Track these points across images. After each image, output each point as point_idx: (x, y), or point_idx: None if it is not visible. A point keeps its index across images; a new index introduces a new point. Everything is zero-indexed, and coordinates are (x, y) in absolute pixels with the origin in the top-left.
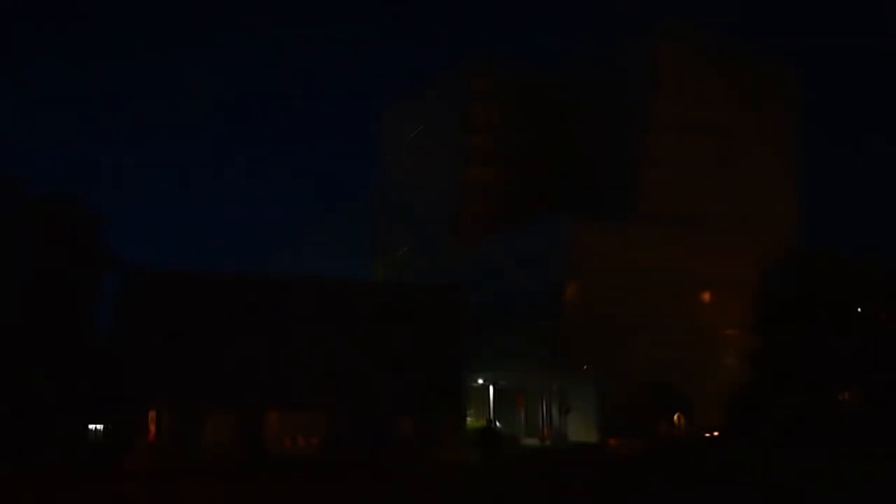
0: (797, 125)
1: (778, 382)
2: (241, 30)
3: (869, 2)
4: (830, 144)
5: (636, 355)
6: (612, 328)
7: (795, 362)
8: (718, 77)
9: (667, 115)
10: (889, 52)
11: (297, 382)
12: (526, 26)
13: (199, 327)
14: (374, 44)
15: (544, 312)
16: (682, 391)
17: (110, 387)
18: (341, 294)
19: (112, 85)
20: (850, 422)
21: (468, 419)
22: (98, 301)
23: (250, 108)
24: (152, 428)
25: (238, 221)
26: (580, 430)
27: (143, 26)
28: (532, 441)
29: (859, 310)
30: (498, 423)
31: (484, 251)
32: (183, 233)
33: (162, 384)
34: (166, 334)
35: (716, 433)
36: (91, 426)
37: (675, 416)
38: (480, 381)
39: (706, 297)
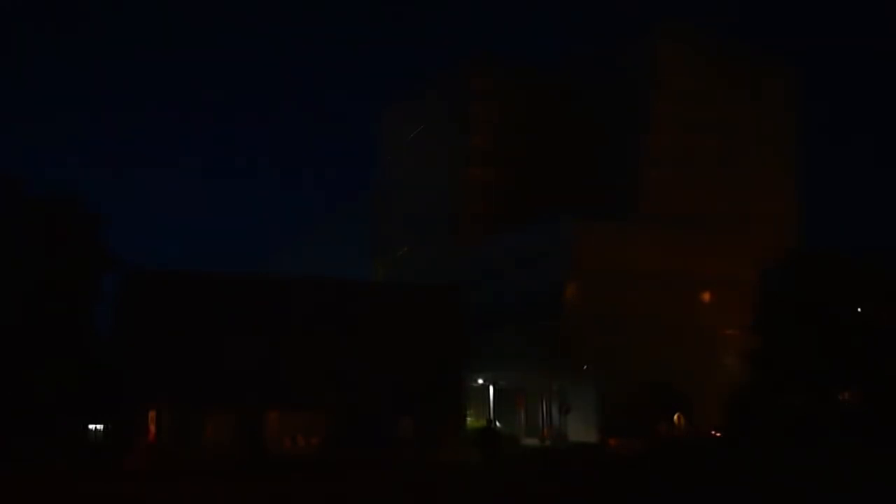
0: (797, 125)
1: (778, 382)
2: (241, 30)
3: (869, 2)
4: (830, 144)
5: (636, 355)
6: (612, 328)
7: (795, 362)
8: (718, 77)
9: (667, 115)
10: (889, 52)
11: (297, 382)
12: (526, 26)
13: (199, 327)
14: (374, 44)
15: (544, 312)
16: (682, 391)
17: (110, 387)
18: (341, 294)
19: (112, 85)
20: (850, 422)
21: (468, 419)
22: (98, 301)
23: (250, 108)
24: (152, 428)
25: (238, 221)
26: (580, 430)
27: (143, 26)
28: (532, 441)
29: (859, 310)
30: (498, 423)
31: (484, 251)
32: (183, 233)
33: (162, 384)
34: (166, 334)
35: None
36: (91, 426)
37: (675, 416)
38: (480, 381)
39: (706, 297)
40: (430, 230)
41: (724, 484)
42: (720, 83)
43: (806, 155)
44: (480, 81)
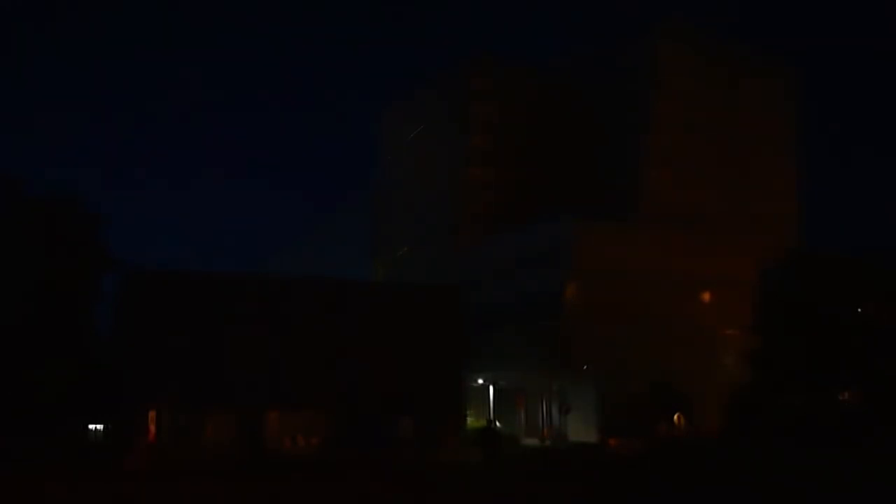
0: (797, 125)
1: (778, 382)
2: (241, 30)
3: (869, 2)
4: (830, 144)
5: (636, 355)
6: (612, 328)
7: (795, 362)
8: (718, 77)
9: (667, 115)
10: (889, 52)
11: (297, 382)
12: (526, 26)
13: (199, 327)
14: (374, 44)
15: (544, 312)
16: (682, 391)
17: (110, 387)
18: (341, 294)
19: (112, 85)
20: (850, 422)
21: (468, 419)
22: (98, 301)
23: (250, 108)
24: (152, 428)
25: (238, 221)
26: (580, 430)
27: (143, 26)
28: (532, 441)
29: (859, 310)
30: (498, 423)
31: (484, 251)
32: (183, 233)
33: (162, 384)
34: (166, 334)
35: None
36: (91, 426)
37: (675, 416)
38: (480, 381)
39: (706, 297)
40: (430, 230)
41: (724, 484)
42: (720, 83)
43: (806, 155)
44: (480, 81)
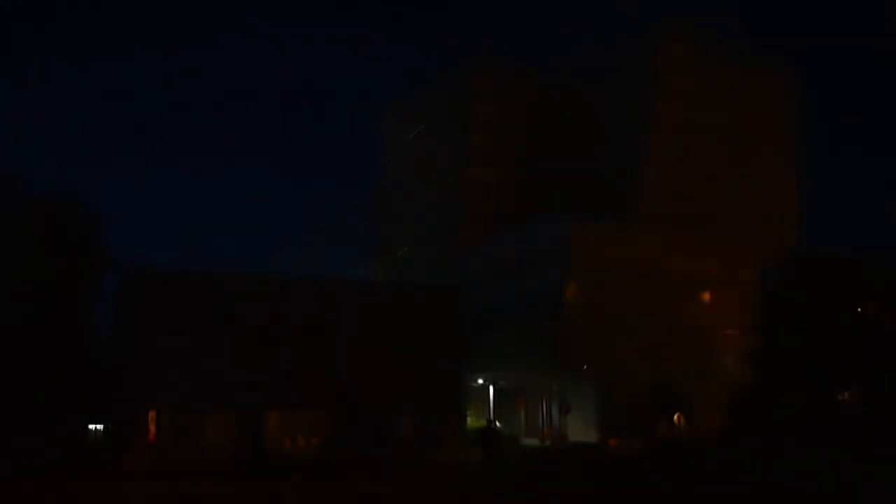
0: (797, 125)
1: (778, 382)
2: (241, 30)
3: (869, 2)
4: (830, 144)
5: (636, 355)
6: (612, 328)
7: (795, 362)
8: (718, 77)
9: (667, 115)
10: (889, 52)
11: (297, 382)
12: (526, 26)
13: (199, 327)
14: (374, 44)
15: (544, 312)
16: (682, 391)
17: (110, 387)
18: (341, 294)
19: (112, 85)
20: (850, 422)
21: (468, 419)
22: (98, 301)
23: (250, 107)
24: (152, 428)
25: (238, 221)
26: (580, 430)
27: (143, 26)
28: (532, 441)
29: (859, 310)
30: (498, 423)
31: (484, 251)
32: (183, 233)
33: (162, 384)
34: (166, 334)
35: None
36: (91, 426)
37: (675, 416)
38: (480, 381)
39: (706, 297)
40: (430, 230)
41: (724, 484)
42: (720, 83)
43: (806, 155)
44: (480, 81)
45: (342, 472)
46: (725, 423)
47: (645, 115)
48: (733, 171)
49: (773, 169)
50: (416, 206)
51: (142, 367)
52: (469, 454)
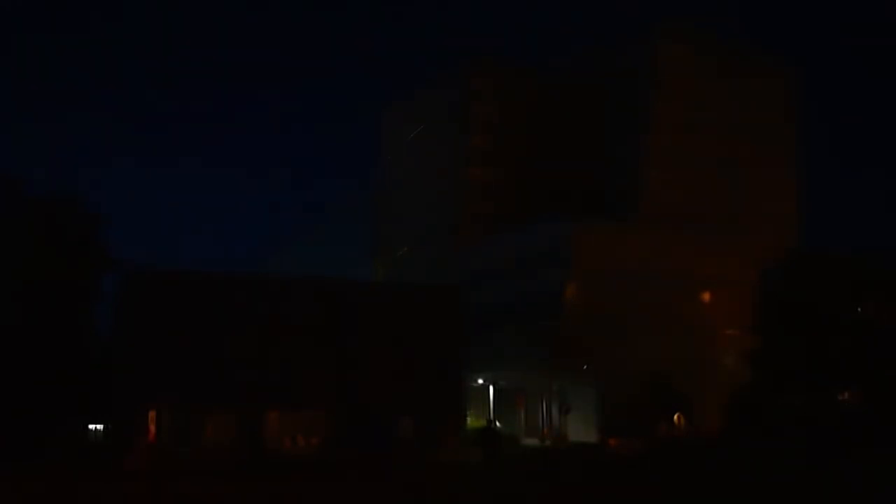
0: (797, 125)
1: (778, 382)
2: (240, 30)
3: (869, 2)
4: (831, 144)
5: (636, 355)
6: (612, 328)
7: (795, 362)
8: (718, 77)
9: (667, 115)
10: (889, 52)
11: (297, 382)
12: (526, 26)
13: (199, 327)
14: (374, 44)
15: (544, 312)
16: (682, 391)
17: (110, 387)
18: (341, 294)
19: (112, 85)
20: (850, 422)
21: (468, 419)
22: (98, 301)
23: (250, 107)
24: (152, 428)
25: (238, 222)
26: (580, 430)
27: (143, 26)
28: (532, 441)
29: (859, 310)
30: (498, 423)
31: (484, 251)
32: (183, 233)
33: (162, 384)
34: (166, 334)
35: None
36: (91, 426)
37: (675, 416)
38: (480, 381)
39: (706, 297)
40: (430, 230)
41: (724, 484)
42: (720, 83)
43: (806, 155)
44: (480, 81)
45: (342, 472)
46: (725, 423)
47: (645, 115)
48: (733, 171)
49: (773, 169)
50: (416, 206)
51: (142, 367)
52: (469, 454)
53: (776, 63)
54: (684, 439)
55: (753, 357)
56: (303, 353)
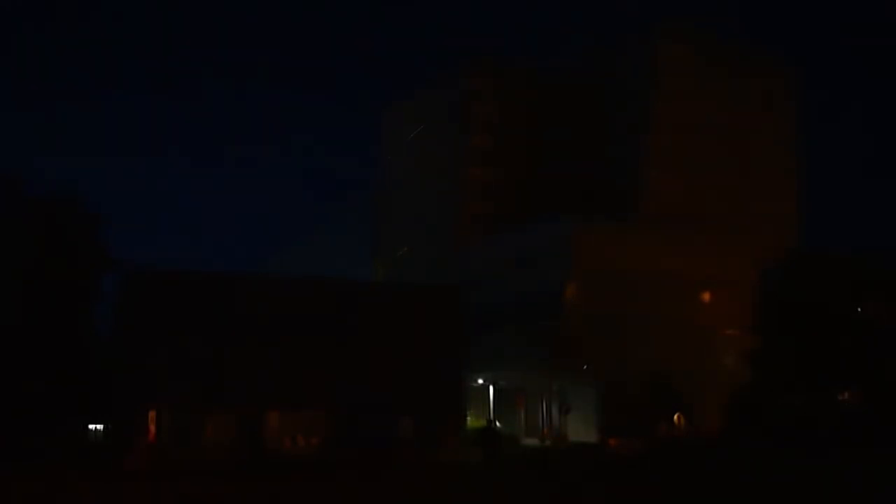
0: (797, 125)
1: (778, 382)
2: (240, 30)
3: (869, 2)
4: (830, 144)
5: (636, 355)
6: (612, 328)
7: (795, 362)
8: (718, 77)
9: (667, 115)
10: (889, 52)
11: (297, 382)
12: (526, 26)
13: (199, 327)
14: (374, 44)
15: (544, 312)
16: (682, 391)
17: (110, 387)
18: (341, 294)
19: (112, 84)
20: (850, 422)
21: (468, 419)
22: (98, 301)
23: (250, 107)
24: (152, 428)
25: (238, 222)
26: (580, 430)
27: (144, 26)
28: (532, 441)
29: (859, 310)
30: (498, 423)
31: (484, 251)
32: (183, 233)
33: (162, 384)
34: (166, 334)
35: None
36: (91, 426)
37: (675, 416)
38: (480, 381)
39: (706, 297)
40: (430, 230)
41: (724, 484)
42: (720, 83)
43: (806, 155)
44: (480, 81)
45: (342, 472)
46: (725, 423)
47: (645, 115)
48: (733, 171)
49: (773, 169)
50: (416, 206)
51: (142, 367)
52: (469, 454)
53: (776, 63)
54: (684, 439)
55: (753, 357)
56: (303, 353)
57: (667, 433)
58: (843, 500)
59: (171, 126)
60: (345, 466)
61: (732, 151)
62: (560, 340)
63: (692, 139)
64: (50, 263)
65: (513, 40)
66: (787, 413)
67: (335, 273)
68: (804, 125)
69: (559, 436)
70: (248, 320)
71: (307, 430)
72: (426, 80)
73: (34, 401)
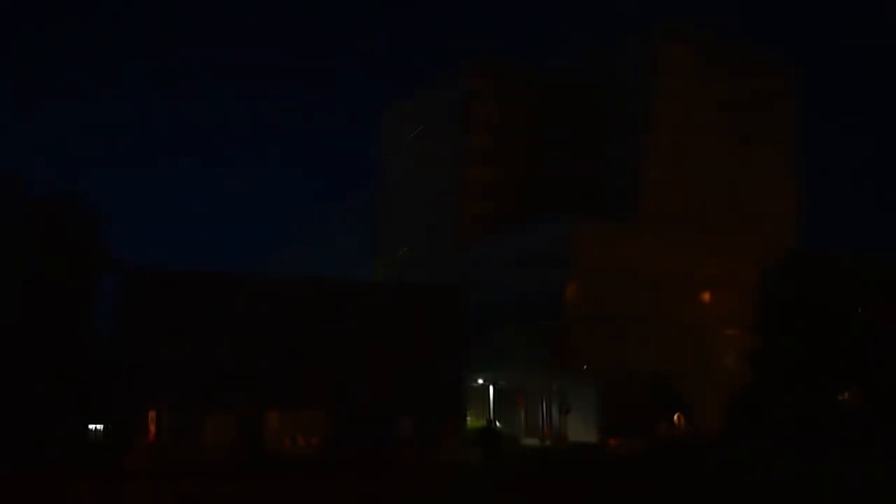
0: (797, 125)
1: (778, 382)
2: (240, 30)
3: (869, 2)
4: (830, 144)
5: (636, 355)
6: (612, 328)
7: (795, 362)
8: (718, 77)
9: (667, 115)
10: (889, 52)
11: (297, 382)
12: (526, 26)
13: (199, 327)
14: (374, 44)
15: (544, 312)
16: (682, 391)
17: (110, 387)
18: (341, 294)
19: (112, 85)
20: (850, 422)
21: (468, 419)
22: (98, 301)
23: (250, 107)
24: (152, 428)
25: (238, 221)
26: (580, 430)
27: (143, 26)
28: (532, 441)
29: (859, 310)
30: (498, 423)
31: (484, 251)
32: (183, 233)
33: (162, 384)
34: (166, 334)
35: None
36: (91, 426)
37: (675, 416)
38: (480, 381)
39: (706, 297)
40: (430, 230)
41: (724, 484)
42: (720, 83)
43: (806, 155)
44: (480, 81)
45: (342, 472)
46: (725, 423)
47: (645, 115)
48: (733, 171)
49: (773, 168)
50: (416, 206)
51: (142, 366)
52: (469, 454)
53: (776, 63)
54: (684, 439)
55: (753, 357)
56: (303, 353)
57: (667, 433)
58: (843, 500)
59: (171, 126)
60: (345, 466)
61: (732, 151)
62: (560, 340)
63: (692, 139)
64: (50, 263)
65: (513, 40)
66: (787, 413)
67: (335, 273)
68: (804, 125)
69: (559, 436)
70: (248, 320)
71: (307, 430)
72: (426, 80)
73: (34, 401)
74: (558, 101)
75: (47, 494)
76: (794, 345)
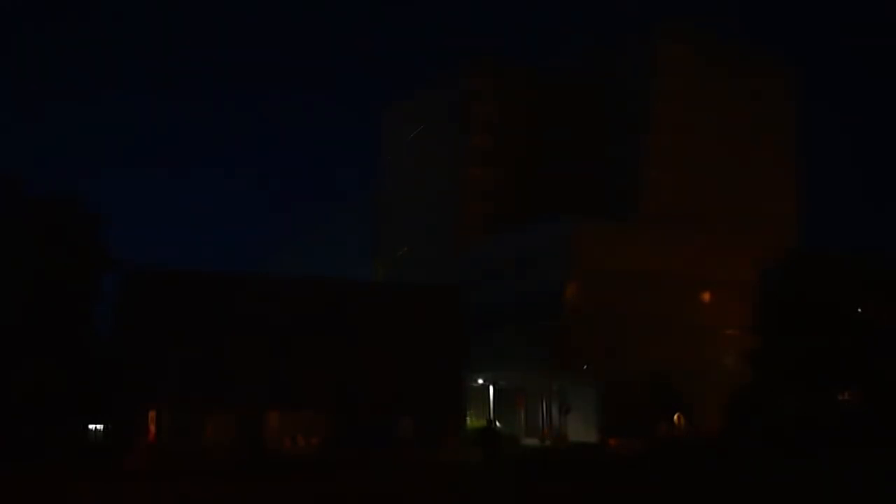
0: (797, 125)
1: (778, 382)
2: (240, 30)
3: (869, 2)
4: (830, 144)
5: (636, 355)
6: (612, 328)
7: (795, 362)
8: (718, 77)
9: (667, 115)
10: (889, 52)
11: (297, 382)
12: (526, 26)
13: (199, 327)
14: (374, 44)
15: (544, 312)
16: (682, 391)
17: (110, 387)
18: (341, 294)
19: (112, 85)
20: (850, 422)
21: (468, 419)
22: (98, 301)
23: (250, 107)
24: (152, 428)
25: (238, 221)
26: (580, 430)
27: (143, 26)
28: (532, 441)
29: (859, 310)
30: (498, 423)
31: (484, 251)
32: (183, 233)
33: (162, 384)
34: (166, 334)
35: None
36: (91, 426)
37: (675, 416)
38: (480, 381)
39: (706, 297)
40: (430, 230)
41: (724, 484)
42: (720, 83)
43: (806, 155)
44: (480, 81)
45: (342, 472)
46: (725, 423)
47: (645, 115)
48: (733, 171)
49: (773, 169)
50: (416, 206)
51: (142, 366)
52: (469, 454)
53: (776, 63)
54: (684, 439)
55: (753, 357)
56: (303, 353)
57: (667, 433)
58: (843, 500)
59: (171, 126)
60: (345, 466)
61: (732, 151)
62: (560, 340)
63: (692, 139)
64: (50, 263)
65: (513, 40)
66: (787, 413)
67: (335, 273)
68: (804, 125)
69: (559, 436)
70: (248, 320)
71: (307, 430)
72: (426, 80)
73: (34, 401)
74: (558, 101)
75: (47, 494)
76: (793, 345)
